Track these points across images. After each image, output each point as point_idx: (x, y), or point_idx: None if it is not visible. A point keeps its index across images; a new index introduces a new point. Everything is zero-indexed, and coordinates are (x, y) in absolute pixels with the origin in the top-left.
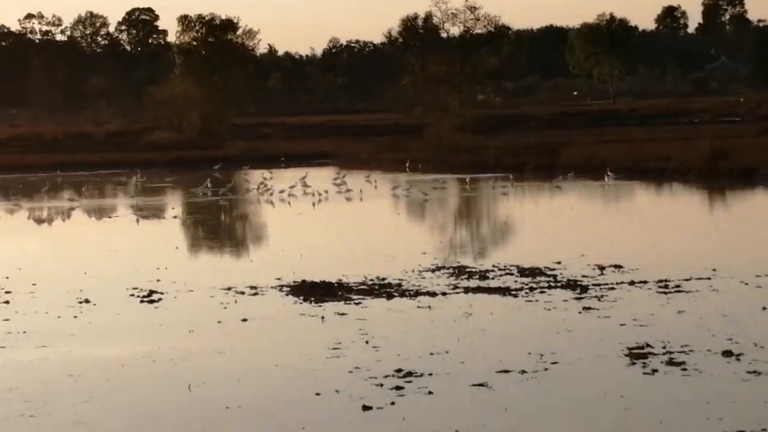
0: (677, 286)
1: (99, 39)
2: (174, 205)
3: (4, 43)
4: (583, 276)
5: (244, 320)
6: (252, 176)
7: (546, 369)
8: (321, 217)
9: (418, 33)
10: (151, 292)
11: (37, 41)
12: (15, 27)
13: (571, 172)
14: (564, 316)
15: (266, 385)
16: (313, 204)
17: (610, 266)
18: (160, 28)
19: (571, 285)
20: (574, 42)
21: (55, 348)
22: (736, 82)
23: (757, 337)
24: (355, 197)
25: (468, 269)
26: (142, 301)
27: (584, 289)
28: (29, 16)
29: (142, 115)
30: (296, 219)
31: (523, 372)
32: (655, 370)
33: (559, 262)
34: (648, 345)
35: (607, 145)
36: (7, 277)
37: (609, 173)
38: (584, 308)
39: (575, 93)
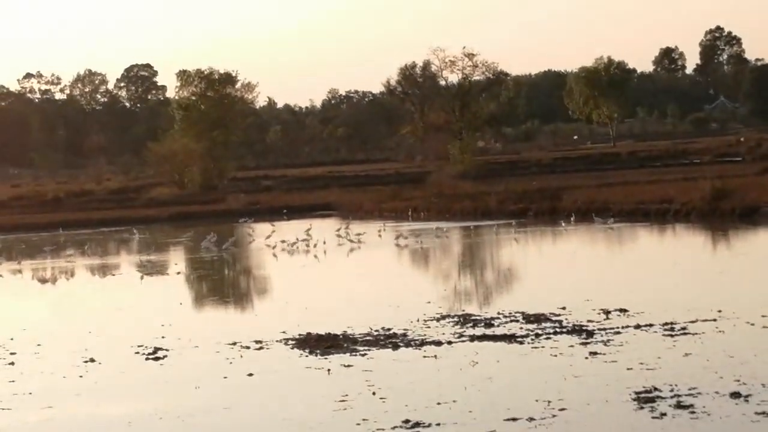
0: (683, 329)
1: (98, 96)
2: (177, 260)
3: (3, 103)
4: (589, 321)
5: (250, 375)
6: (255, 229)
7: (554, 416)
8: (325, 268)
9: (416, 81)
10: (156, 349)
11: (37, 100)
12: (14, 87)
13: (572, 217)
14: (570, 361)
15: None
16: (316, 255)
17: (615, 310)
18: (159, 84)
19: (577, 330)
20: (573, 86)
21: (61, 408)
22: (736, 121)
23: (765, 378)
24: (358, 247)
25: (473, 317)
26: (147, 359)
27: (590, 334)
28: (28, 76)
29: (142, 171)
30: (300, 271)
31: (531, 419)
32: (663, 414)
33: (564, 308)
34: (655, 388)
35: (608, 188)
36: (12, 338)
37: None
38: (591, 353)
39: (575, 137)
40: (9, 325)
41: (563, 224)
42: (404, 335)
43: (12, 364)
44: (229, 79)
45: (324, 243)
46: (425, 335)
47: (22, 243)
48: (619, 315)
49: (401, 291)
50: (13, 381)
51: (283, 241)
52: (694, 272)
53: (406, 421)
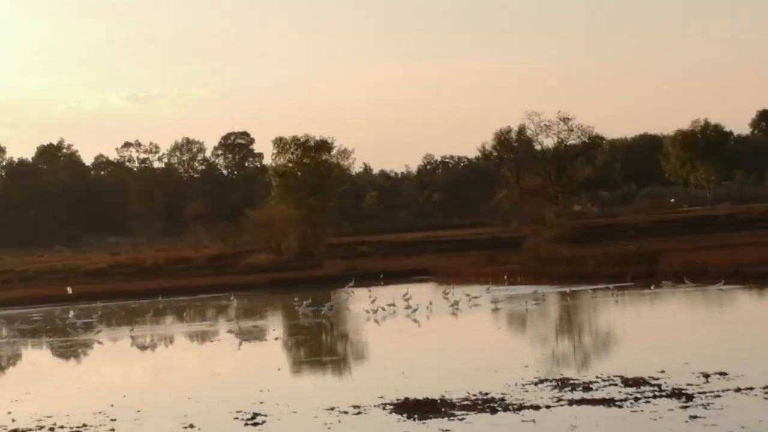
0: None
1: (196, 164)
2: (275, 326)
3: (103, 173)
4: (688, 384)
5: None
6: (353, 294)
7: None
8: (422, 332)
9: (512, 146)
10: (255, 415)
11: (135, 169)
12: (113, 156)
13: (669, 281)
14: (670, 425)
15: None
16: (416, 320)
17: (715, 373)
18: (255, 152)
19: (676, 394)
20: (669, 149)
21: None
22: None
23: None
24: (456, 312)
25: (571, 381)
26: (246, 424)
27: (689, 397)
28: (127, 145)
29: (240, 238)
30: (398, 335)
31: None
32: None
33: (662, 371)
34: None
35: (706, 251)
36: (112, 405)
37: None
38: (690, 417)
39: (672, 200)
40: (109, 392)
41: (654, 287)
42: (502, 399)
43: (112, 430)
44: (324, 145)
45: (429, 307)
46: (523, 399)
47: (122, 310)
48: (718, 378)
49: (499, 355)
50: None
51: (390, 305)
52: None
53: None
